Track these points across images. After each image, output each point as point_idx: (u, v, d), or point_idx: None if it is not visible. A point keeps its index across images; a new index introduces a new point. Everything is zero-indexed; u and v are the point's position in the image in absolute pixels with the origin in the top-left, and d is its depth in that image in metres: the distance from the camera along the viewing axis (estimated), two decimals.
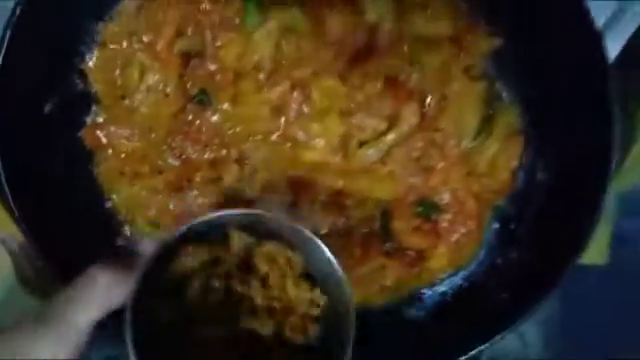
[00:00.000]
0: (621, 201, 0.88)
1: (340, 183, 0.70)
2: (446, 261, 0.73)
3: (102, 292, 0.51)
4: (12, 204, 0.62)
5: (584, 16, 0.61)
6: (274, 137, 0.68)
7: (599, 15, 0.73)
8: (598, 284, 0.89)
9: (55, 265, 0.64)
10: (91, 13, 0.66)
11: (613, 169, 0.64)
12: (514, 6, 0.66)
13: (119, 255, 0.56)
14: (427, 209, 0.71)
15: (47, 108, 0.66)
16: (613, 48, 0.75)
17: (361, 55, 0.66)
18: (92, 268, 0.52)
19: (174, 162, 0.69)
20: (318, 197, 0.70)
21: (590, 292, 0.89)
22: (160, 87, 0.67)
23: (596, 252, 0.86)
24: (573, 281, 0.83)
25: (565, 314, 0.89)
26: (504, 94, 0.70)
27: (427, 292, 0.74)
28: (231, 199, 0.68)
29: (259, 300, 0.57)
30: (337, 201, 0.71)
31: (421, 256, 0.72)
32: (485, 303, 0.71)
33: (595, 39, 0.61)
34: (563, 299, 0.89)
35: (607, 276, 0.89)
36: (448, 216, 0.72)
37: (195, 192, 0.69)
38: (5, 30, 0.59)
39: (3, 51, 0.59)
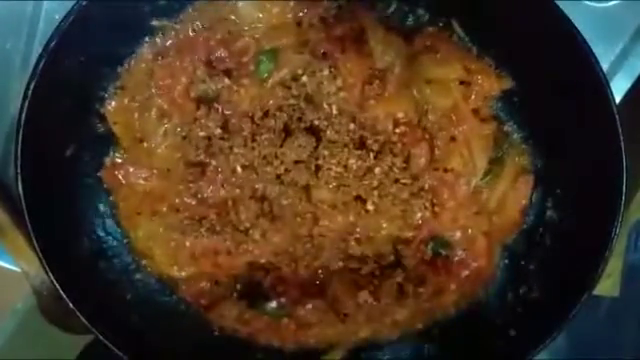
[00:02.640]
0: (634, 233, 0.88)
1: (351, 220, 0.71)
2: (457, 297, 0.74)
3: None
4: (34, 241, 0.65)
5: (590, 61, 0.62)
6: (287, 178, 0.69)
7: (608, 55, 0.75)
8: (608, 315, 0.90)
9: (74, 299, 0.66)
10: (110, 60, 0.68)
11: (623, 207, 0.65)
12: (523, 49, 0.66)
13: None
14: (438, 246, 0.73)
15: (69, 151, 0.68)
16: (622, 85, 0.77)
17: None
18: None
19: (190, 201, 0.71)
20: (329, 233, 0.72)
21: (599, 323, 0.89)
22: (177, 130, 0.69)
23: (609, 285, 0.86)
24: (582, 312, 0.83)
25: (573, 345, 0.88)
26: (514, 135, 0.72)
27: (438, 326, 0.75)
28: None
29: None
30: (348, 237, 0.72)
31: (433, 292, 0.73)
32: (495, 339, 0.72)
33: (601, 83, 0.62)
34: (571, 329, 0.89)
35: (617, 307, 0.89)
36: (459, 253, 0.73)
37: (210, 230, 0.71)
38: (30, 80, 0.61)
39: (28, 100, 0.61)
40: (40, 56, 0.61)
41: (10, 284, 0.84)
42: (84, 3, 0.60)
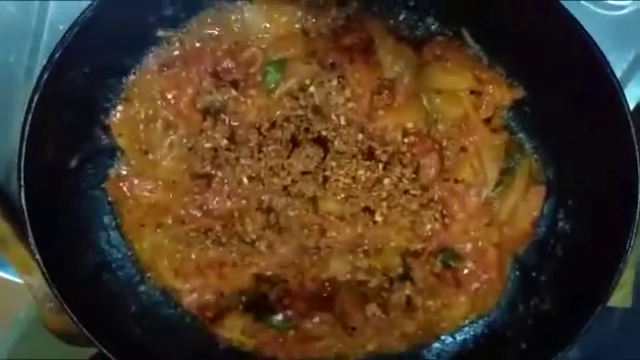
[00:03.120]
0: None
1: (359, 231, 0.70)
2: (467, 309, 0.73)
3: None
4: (37, 254, 0.64)
5: (603, 68, 0.60)
6: (294, 189, 0.68)
7: (620, 62, 0.73)
8: (619, 326, 0.88)
9: (77, 312, 0.65)
10: (115, 71, 0.67)
11: (638, 217, 0.63)
12: (534, 58, 0.65)
13: None
14: (448, 258, 0.71)
15: (73, 163, 0.67)
16: (636, 92, 0.76)
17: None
18: None
19: (196, 212, 0.70)
20: (336, 245, 0.70)
21: (611, 334, 0.88)
22: (183, 142, 0.68)
23: (621, 295, 0.85)
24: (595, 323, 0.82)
25: (584, 356, 0.87)
26: (525, 145, 0.70)
27: (448, 339, 0.74)
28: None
29: None
30: (356, 249, 0.71)
31: (442, 304, 0.72)
32: (505, 352, 0.71)
33: (615, 90, 0.60)
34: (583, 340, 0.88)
35: (629, 318, 0.88)
36: (469, 265, 0.71)
37: (216, 242, 0.70)
38: (34, 92, 0.60)
39: (31, 112, 0.60)
40: (44, 68, 0.60)
41: (13, 295, 0.83)
42: (89, 14, 0.59)
